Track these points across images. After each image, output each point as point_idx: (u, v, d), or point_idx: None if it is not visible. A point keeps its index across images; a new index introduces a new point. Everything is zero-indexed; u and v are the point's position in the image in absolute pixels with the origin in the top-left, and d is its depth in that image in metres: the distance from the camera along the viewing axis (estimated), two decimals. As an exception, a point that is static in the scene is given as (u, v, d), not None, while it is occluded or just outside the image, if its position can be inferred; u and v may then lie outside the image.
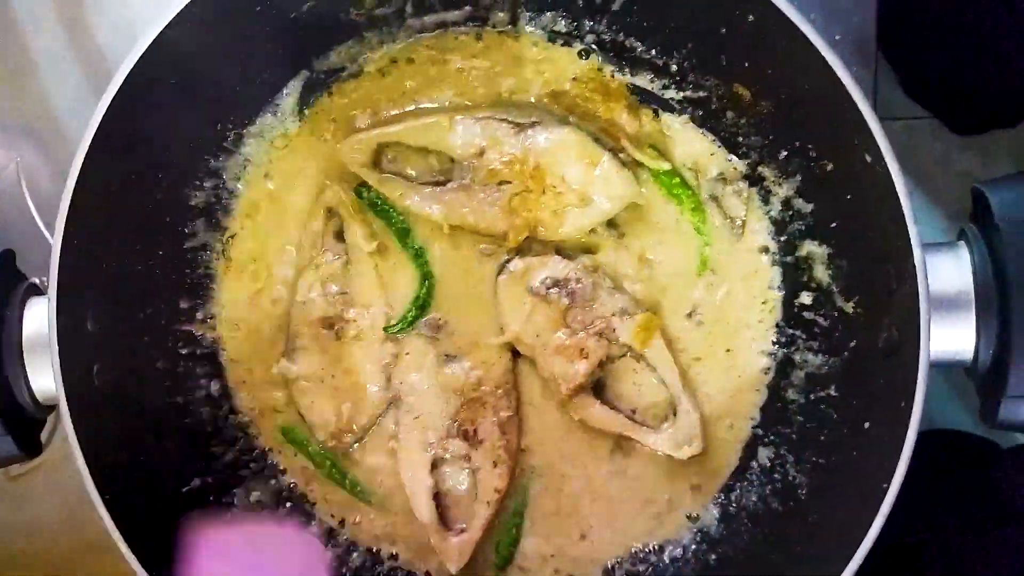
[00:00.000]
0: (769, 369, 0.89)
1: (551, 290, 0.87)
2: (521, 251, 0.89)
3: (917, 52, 1.35)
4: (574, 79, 0.89)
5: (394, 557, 0.92)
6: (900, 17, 1.13)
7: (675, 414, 0.88)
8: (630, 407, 0.90)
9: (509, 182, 0.86)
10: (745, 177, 0.88)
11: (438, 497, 0.90)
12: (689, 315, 0.89)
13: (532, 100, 0.89)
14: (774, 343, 0.89)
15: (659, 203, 0.89)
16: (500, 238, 0.88)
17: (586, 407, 0.88)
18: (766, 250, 0.88)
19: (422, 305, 0.90)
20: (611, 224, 0.89)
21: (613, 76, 0.89)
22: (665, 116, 0.89)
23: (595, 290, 0.87)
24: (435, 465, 0.89)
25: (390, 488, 0.91)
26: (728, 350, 0.89)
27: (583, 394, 0.88)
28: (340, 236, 0.91)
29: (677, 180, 0.88)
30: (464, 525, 0.89)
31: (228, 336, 0.92)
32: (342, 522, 0.93)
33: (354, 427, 0.90)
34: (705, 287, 0.89)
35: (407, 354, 0.90)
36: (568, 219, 0.86)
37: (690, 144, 0.89)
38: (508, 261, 0.89)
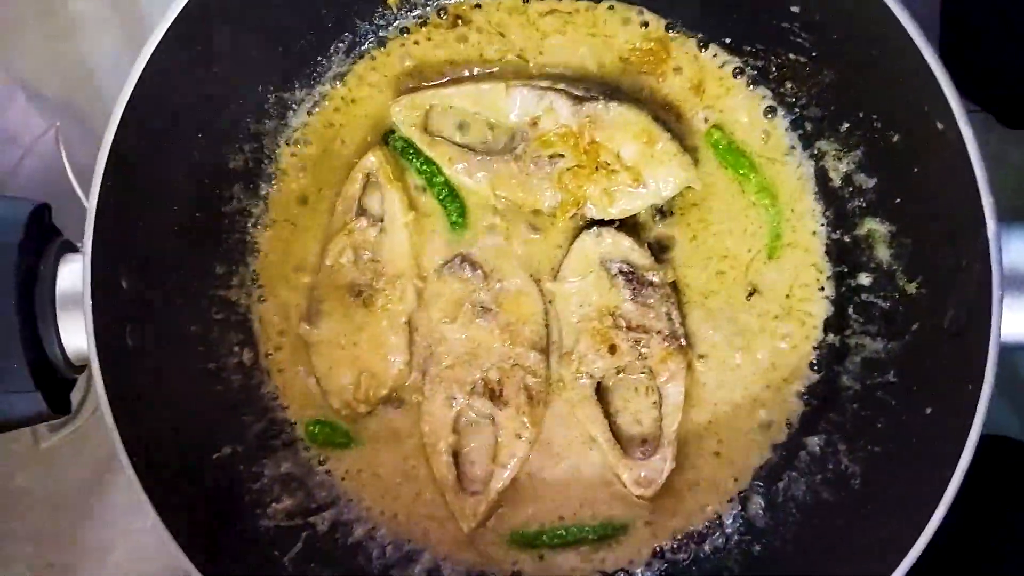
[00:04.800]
0: (815, 363, 0.86)
1: (620, 276, 0.84)
2: (622, 225, 0.86)
3: (970, 46, 1.31)
4: (632, 47, 0.86)
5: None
6: (954, 9, 1.10)
7: (651, 453, 0.86)
8: (616, 423, 0.88)
9: (562, 155, 0.83)
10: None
11: (456, 457, 0.88)
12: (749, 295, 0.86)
13: (594, 68, 0.86)
14: (825, 330, 0.86)
15: (721, 187, 0.86)
16: (547, 214, 0.85)
17: (583, 398, 0.86)
18: (822, 227, 0.85)
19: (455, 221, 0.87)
20: (663, 210, 0.87)
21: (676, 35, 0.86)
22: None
23: (660, 303, 0.85)
24: (457, 423, 0.87)
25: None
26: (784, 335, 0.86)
27: (589, 382, 0.86)
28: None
29: (746, 161, 0.85)
30: (479, 487, 0.87)
31: (262, 303, 0.90)
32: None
33: (370, 396, 0.88)
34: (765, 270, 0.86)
35: (442, 300, 0.88)
36: (619, 199, 0.83)
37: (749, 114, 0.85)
38: (604, 222, 0.85)
